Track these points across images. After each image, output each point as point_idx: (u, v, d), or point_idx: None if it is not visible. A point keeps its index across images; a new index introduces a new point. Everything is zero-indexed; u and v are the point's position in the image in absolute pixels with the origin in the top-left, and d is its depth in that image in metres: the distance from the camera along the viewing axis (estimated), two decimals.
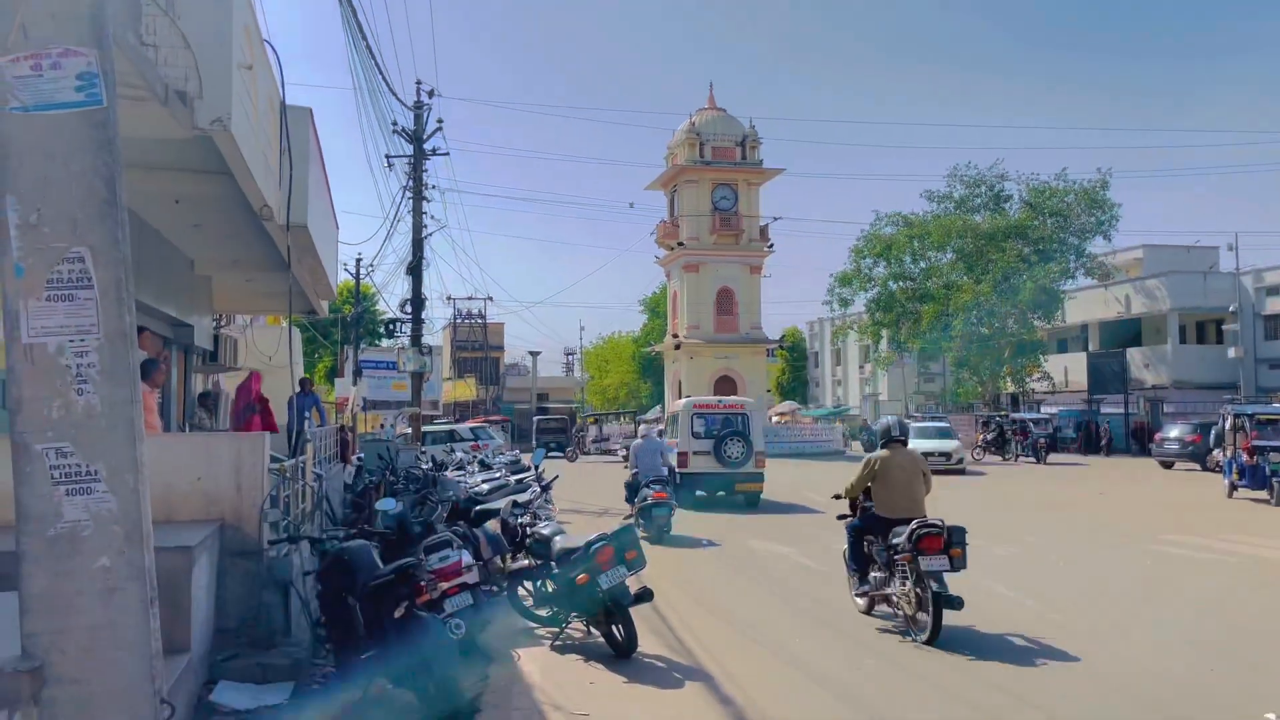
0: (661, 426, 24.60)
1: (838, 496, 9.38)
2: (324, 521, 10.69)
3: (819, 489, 19.76)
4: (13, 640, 3.41)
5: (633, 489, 15.84)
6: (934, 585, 7.80)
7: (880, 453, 8.90)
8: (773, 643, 8.17)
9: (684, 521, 15.72)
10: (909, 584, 8.05)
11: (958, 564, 7.93)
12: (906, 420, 10.99)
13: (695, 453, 19.60)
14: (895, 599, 8.33)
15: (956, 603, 7.77)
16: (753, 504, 19.38)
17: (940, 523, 8.02)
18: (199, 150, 8.19)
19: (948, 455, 30.61)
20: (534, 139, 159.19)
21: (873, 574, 8.78)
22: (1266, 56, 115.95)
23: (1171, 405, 41.91)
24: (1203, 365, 44.83)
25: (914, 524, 8.04)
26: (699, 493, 19.36)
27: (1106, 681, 6.88)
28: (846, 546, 9.15)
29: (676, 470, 18.17)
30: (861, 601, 9.00)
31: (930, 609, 7.83)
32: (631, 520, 13.10)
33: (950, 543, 7.92)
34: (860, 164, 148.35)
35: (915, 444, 26.40)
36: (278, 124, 9.59)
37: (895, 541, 8.18)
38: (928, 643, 7.80)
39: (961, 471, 30.43)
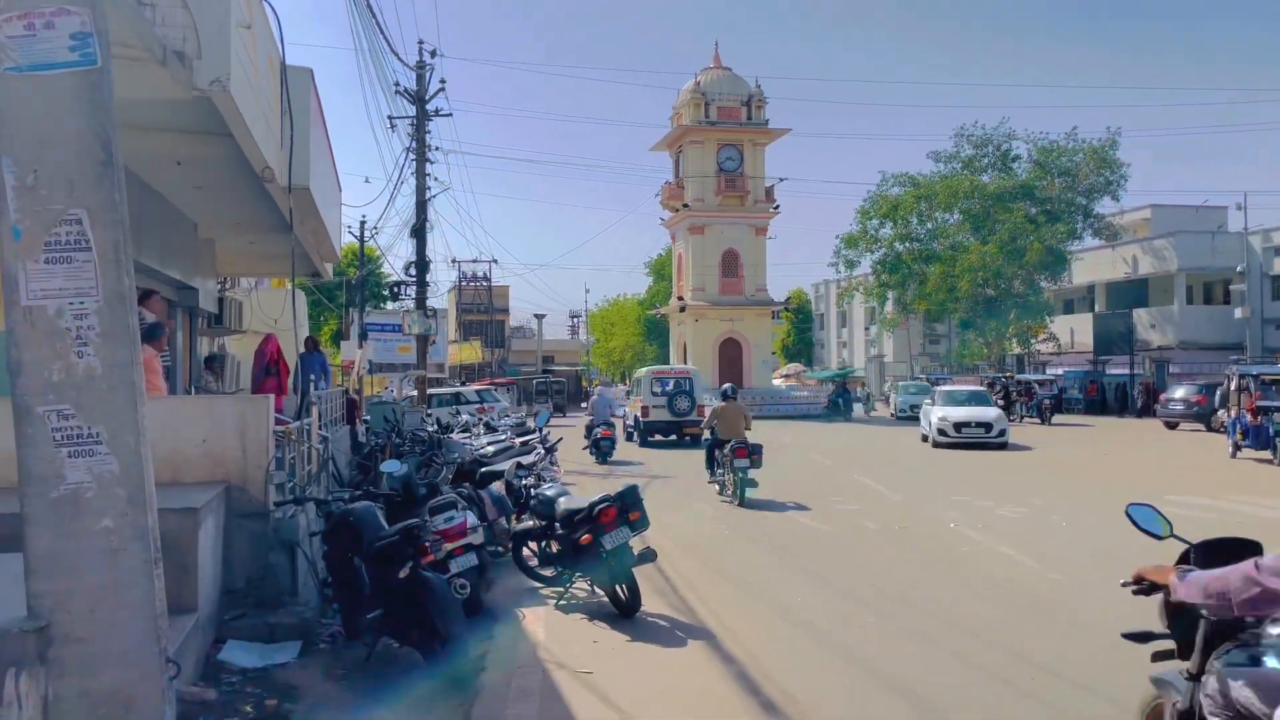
0: (616, 387, 33.34)
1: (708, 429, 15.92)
2: (330, 483, 10.75)
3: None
4: (18, 601, 3.44)
5: (589, 429, 21.91)
6: (740, 474, 14.07)
7: (719, 404, 15.81)
8: (774, 601, 8.23)
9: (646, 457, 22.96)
10: (729, 474, 14.42)
11: (755, 464, 14.21)
12: (729, 387, 16.66)
13: (654, 406, 27.23)
14: (724, 482, 14.75)
15: (752, 484, 14.22)
16: (695, 441, 24.44)
17: (746, 442, 14.41)
18: (199, 111, 8.13)
19: (987, 426, 24.41)
20: (538, 100, 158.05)
21: (717, 469, 15.12)
22: (1276, 15, 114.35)
23: (1177, 366, 41.84)
24: (1209, 326, 44.64)
25: (733, 442, 14.43)
26: (656, 435, 27.17)
27: (1096, 631, 6.93)
28: (705, 454, 15.68)
29: (640, 419, 27.23)
30: (714, 486, 15.12)
31: (738, 488, 14.10)
32: (588, 449, 21.11)
33: (750, 452, 14.21)
34: (867, 124, 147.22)
35: (944, 410, 25.50)
36: (278, 84, 9.51)
37: (725, 452, 14.56)
38: (739, 505, 13.89)
39: (1004, 446, 24.17)
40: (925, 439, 25.98)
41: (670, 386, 27.39)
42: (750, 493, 14.18)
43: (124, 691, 3.45)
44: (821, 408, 41.26)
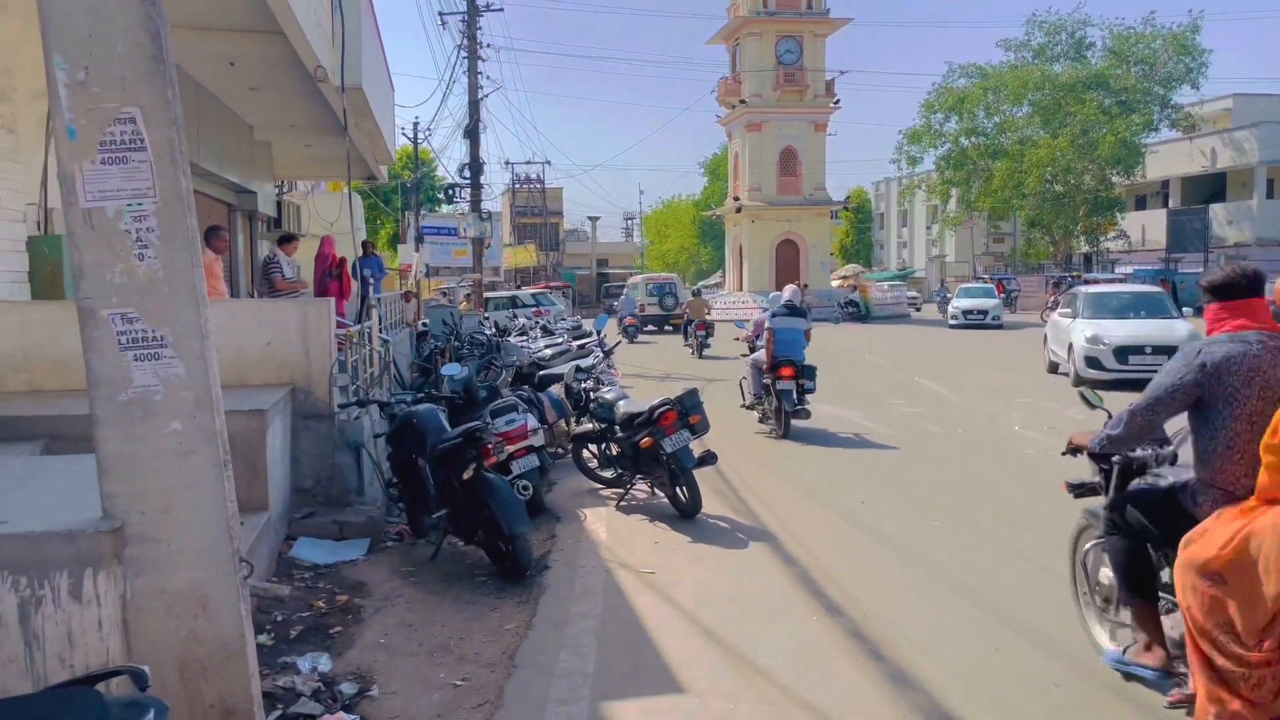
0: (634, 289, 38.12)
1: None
2: (392, 386, 10.87)
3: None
4: (94, 502, 3.48)
5: (620, 319, 30.32)
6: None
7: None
8: (835, 504, 8.20)
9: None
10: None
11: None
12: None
13: (648, 304, 35.94)
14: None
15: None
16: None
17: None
18: (250, 8, 8.00)
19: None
20: None
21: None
22: None
23: (1255, 263, 40.28)
24: None
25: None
26: (650, 326, 34.82)
27: None
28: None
29: (637, 313, 33.01)
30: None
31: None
32: (620, 332, 24.44)
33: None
34: (933, 11, 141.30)
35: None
36: None
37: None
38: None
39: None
40: (1055, 369, 17.66)
41: (659, 289, 37.10)
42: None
43: (199, 590, 3.50)
44: (836, 311, 40.42)
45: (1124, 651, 4.27)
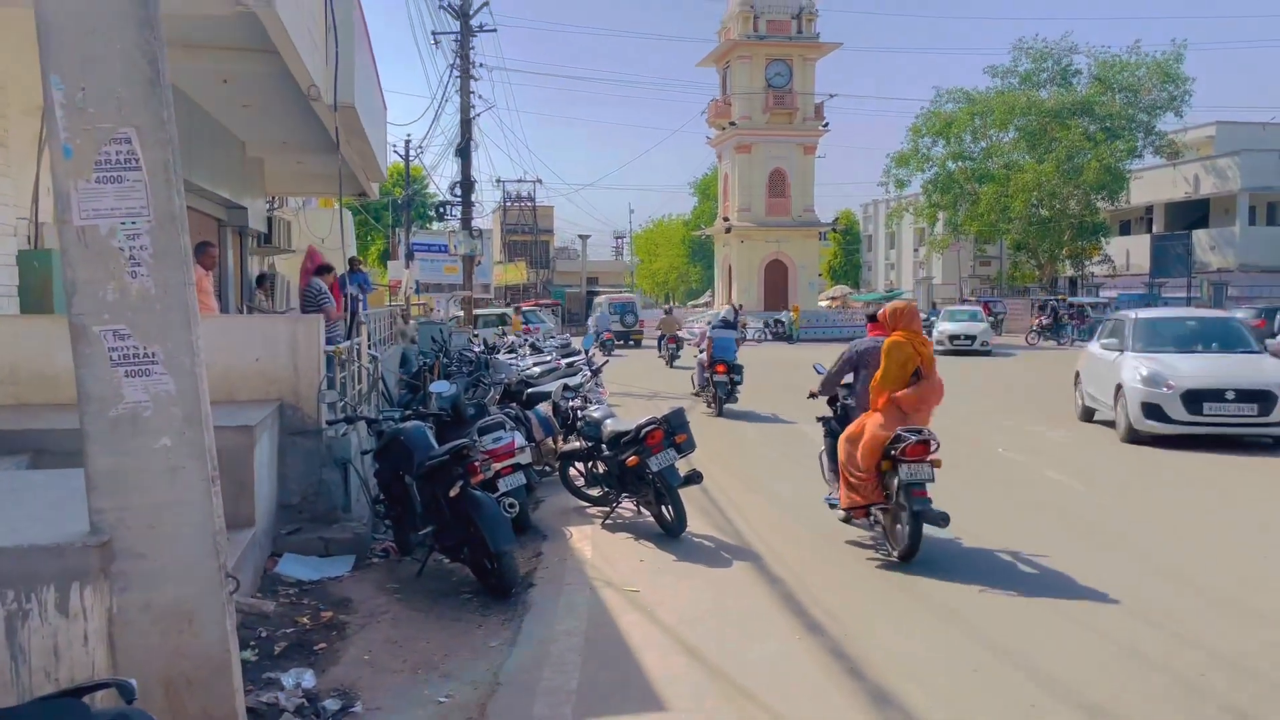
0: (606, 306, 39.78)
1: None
2: (380, 402, 10.89)
3: None
4: (81, 516, 3.51)
5: (597, 334, 31.46)
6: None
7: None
8: (820, 524, 8.25)
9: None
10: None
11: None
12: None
13: (612, 320, 36.67)
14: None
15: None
16: (638, 344, 37.63)
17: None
18: (244, 28, 8.06)
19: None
20: (582, 15, 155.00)
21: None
22: None
23: (1237, 289, 40.69)
24: (1272, 247, 43.18)
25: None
26: (617, 340, 34.45)
27: (1148, 558, 6.86)
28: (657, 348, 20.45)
29: (609, 329, 34.19)
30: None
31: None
32: (596, 347, 22.76)
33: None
34: (921, 37, 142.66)
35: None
36: (322, 0, 9.39)
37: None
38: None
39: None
40: (1091, 416, 13.99)
41: (621, 308, 40.59)
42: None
43: (185, 605, 3.53)
44: (759, 331, 40.54)
45: (831, 494, 7.89)
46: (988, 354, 30.49)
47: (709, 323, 20.22)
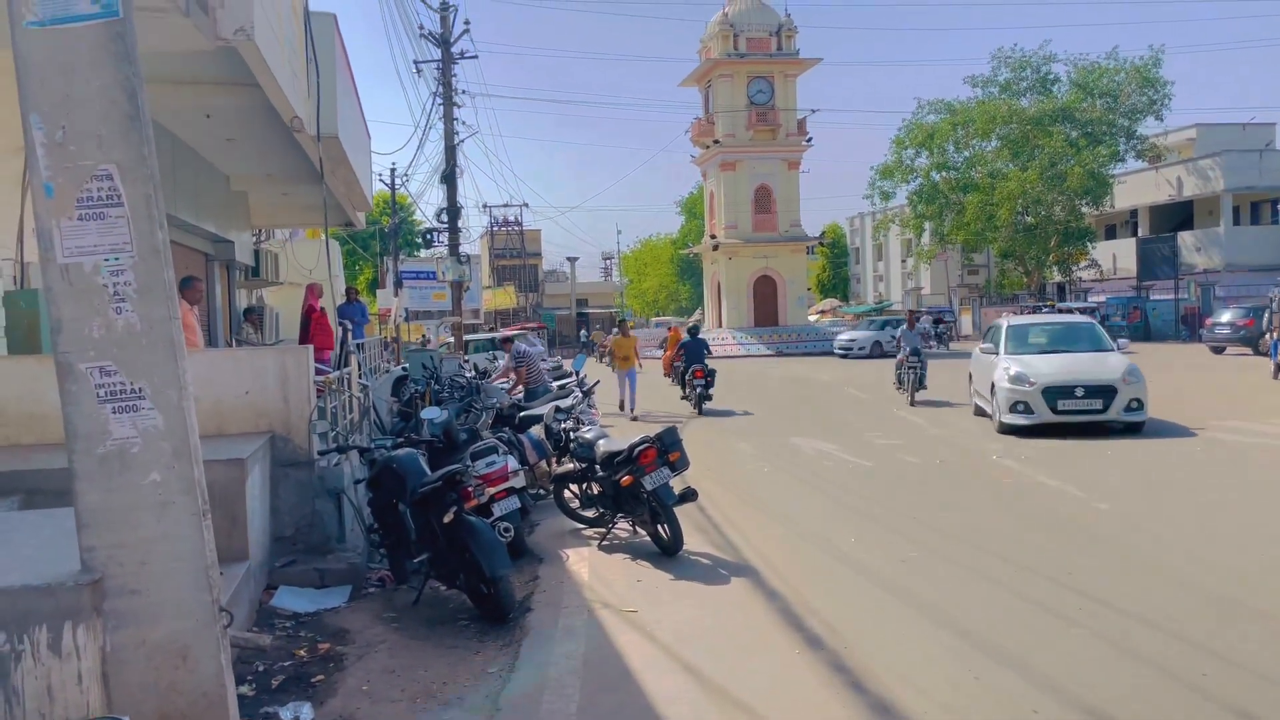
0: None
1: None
2: (372, 431, 10.87)
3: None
4: (72, 555, 3.50)
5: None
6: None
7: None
8: (817, 537, 8.24)
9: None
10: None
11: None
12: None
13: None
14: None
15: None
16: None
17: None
18: (225, 62, 8.08)
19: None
20: (563, 39, 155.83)
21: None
22: None
23: (1224, 289, 40.92)
24: (1257, 247, 43.46)
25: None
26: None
27: (1154, 568, 6.87)
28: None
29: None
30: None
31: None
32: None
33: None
34: (901, 50, 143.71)
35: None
36: (302, 32, 9.43)
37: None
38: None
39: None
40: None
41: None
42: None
43: (179, 641, 3.51)
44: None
45: None
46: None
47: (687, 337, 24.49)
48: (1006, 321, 16.02)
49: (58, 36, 3.39)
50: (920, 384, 18.68)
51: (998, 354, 14.62)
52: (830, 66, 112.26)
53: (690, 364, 18.85)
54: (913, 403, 18.34)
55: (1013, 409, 13.52)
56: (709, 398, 18.69)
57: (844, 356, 37.55)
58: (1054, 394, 13.25)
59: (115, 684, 3.49)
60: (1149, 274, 43.93)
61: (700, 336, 20.24)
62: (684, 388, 19.43)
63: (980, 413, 15.50)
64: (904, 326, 21.26)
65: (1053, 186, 41.78)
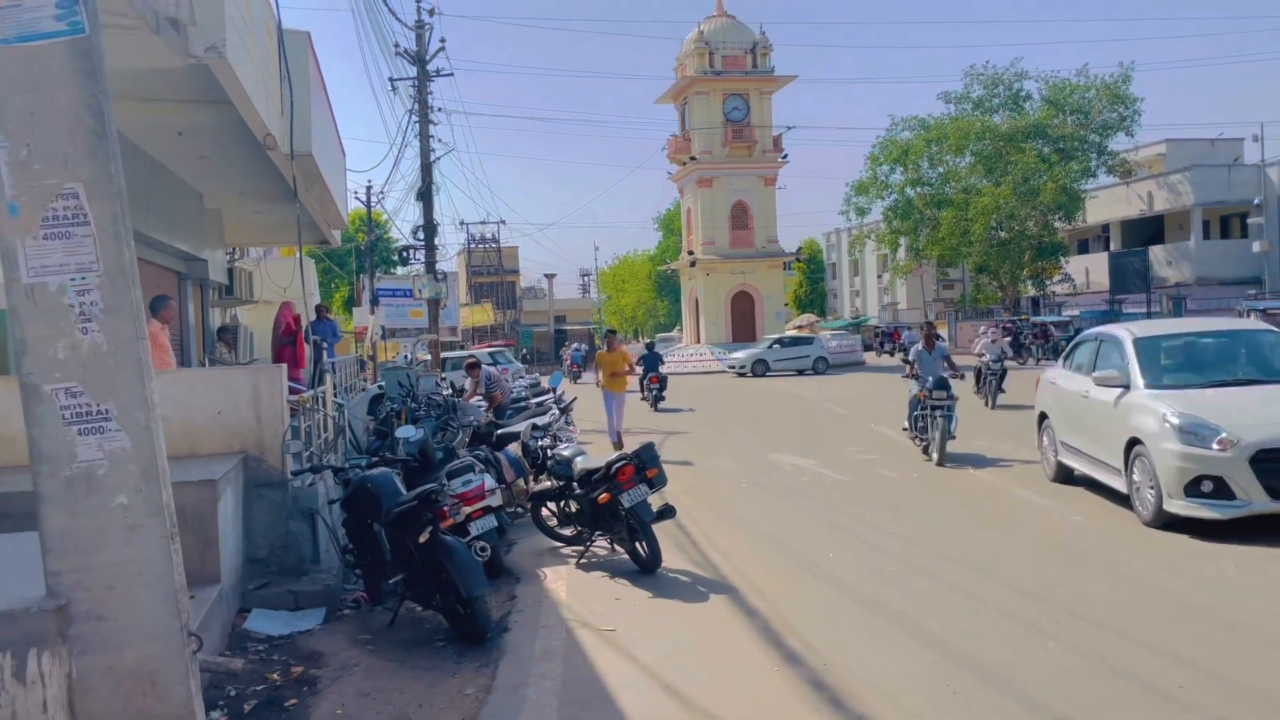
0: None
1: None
2: (347, 450, 10.77)
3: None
4: (37, 580, 3.43)
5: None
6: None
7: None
8: (795, 553, 8.22)
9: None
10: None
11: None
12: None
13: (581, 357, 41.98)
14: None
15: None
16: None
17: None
18: (197, 80, 8.03)
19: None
20: (539, 57, 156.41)
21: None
22: None
23: (1195, 302, 41.38)
24: (1227, 260, 44.05)
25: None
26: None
27: (1118, 573, 6.89)
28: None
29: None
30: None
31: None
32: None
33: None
34: (874, 67, 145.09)
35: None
36: (275, 49, 9.37)
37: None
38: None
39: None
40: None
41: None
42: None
43: (147, 666, 3.45)
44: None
45: None
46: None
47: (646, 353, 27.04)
48: (1129, 333, 9.57)
49: (23, 54, 3.35)
50: (949, 433, 12.52)
51: (1129, 386, 8.84)
52: (805, 84, 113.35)
53: (648, 372, 24.07)
54: (941, 462, 12.23)
55: (1191, 490, 7.72)
56: (663, 398, 24.09)
57: (740, 375, 37.86)
58: (1275, 463, 7.48)
59: (82, 711, 3.42)
60: (1121, 288, 44.38)
61: (655, 351, 26.48)
62: (643, 390, 23.82)
63: (1067, 477, 10.21)
64: (918, 346, 14.02)
65: (1026, 202, 42.19)
